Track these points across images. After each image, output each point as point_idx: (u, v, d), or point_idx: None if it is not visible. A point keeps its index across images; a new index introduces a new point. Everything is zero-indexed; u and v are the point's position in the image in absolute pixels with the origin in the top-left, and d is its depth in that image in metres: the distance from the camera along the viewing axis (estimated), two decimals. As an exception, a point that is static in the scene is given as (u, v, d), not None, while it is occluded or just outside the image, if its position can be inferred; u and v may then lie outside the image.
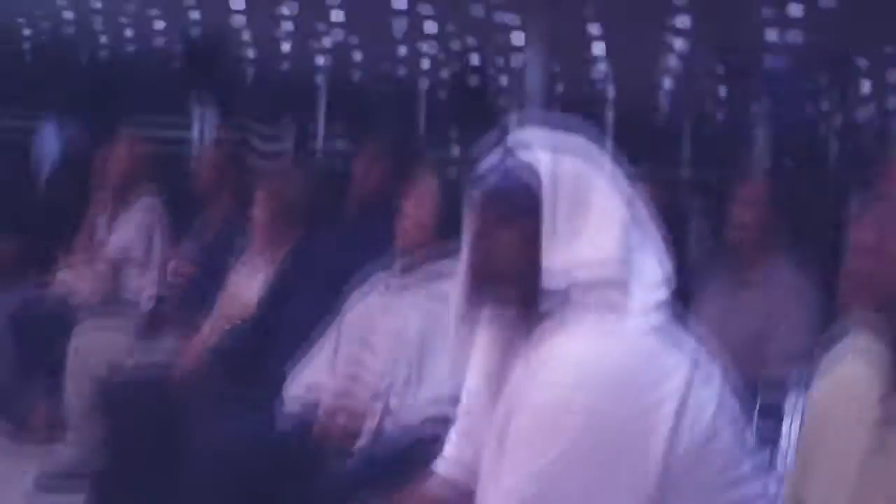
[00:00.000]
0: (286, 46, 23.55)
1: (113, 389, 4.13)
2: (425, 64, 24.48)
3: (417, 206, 3.49)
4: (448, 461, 2.39)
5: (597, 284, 2.04)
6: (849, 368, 1.84)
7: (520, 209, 2.09)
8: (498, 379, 2.17)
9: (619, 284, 2.04)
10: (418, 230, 3.49)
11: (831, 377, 1.88)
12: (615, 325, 2.02)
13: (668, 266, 2.15)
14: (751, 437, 2.18)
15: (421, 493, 2.39)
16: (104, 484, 4.16)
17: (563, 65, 16.02)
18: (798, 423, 2.43)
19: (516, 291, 2.11)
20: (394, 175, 3.92)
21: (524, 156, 2.11)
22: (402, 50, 22.51)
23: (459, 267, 2.24)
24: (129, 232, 5.54)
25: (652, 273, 2.10)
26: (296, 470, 3.30)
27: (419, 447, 3.11)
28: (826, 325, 3.91)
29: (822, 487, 1.80)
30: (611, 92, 26.62)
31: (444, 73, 22.87)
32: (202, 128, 12.43)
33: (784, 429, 2.45)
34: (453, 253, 3.42)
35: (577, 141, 2.16)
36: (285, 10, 17.95)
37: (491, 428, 2.14)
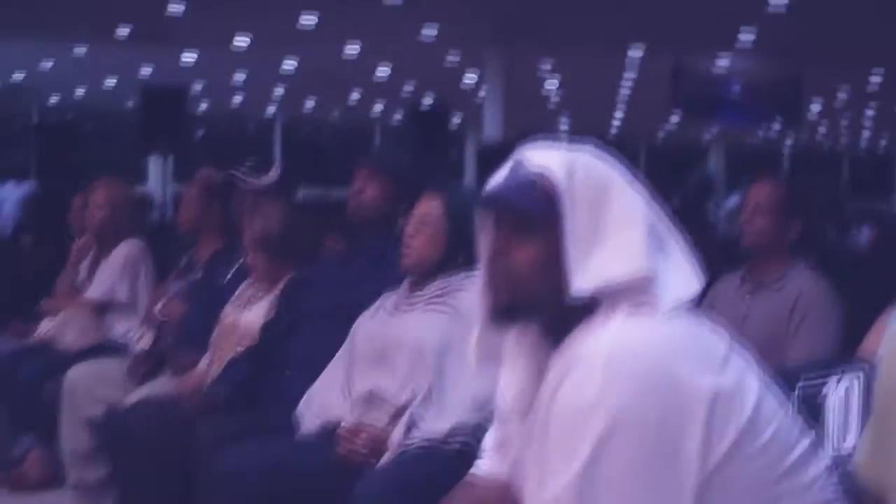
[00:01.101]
0: (238, 98, 23.65)
1: (117, 428, 4.05)
2: (378, 107, 24.63)
3: (422, 226, 3.47)
4: (487, 469, 2.35)
5: (625, 287, 1.99)
6: None
7: (539, 222, 2.03)
8: (530, 390, 2.13)
9: (647, 285, 2.00)
10: (424, 249, 3.46)
11: None
12: (645, 323, 1.98)
13: (695, 264, 2.11)
14: (798, 423, 2.12)
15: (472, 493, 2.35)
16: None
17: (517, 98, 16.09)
18: (845, 404, 2.41)
19: (542, 305, 2.06)
20: (394, 197, 3.89)
21: (536, 167, 2.06)
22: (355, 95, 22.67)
23: (478, 286, 2.19)
24: (112, 274, 5.50)
25: (678, 272, 2.06)
26: (320, 492, 3.25)
27: (446, 459, 3.09)
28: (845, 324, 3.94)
29: None
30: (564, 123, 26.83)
31: (398, 115, 22.99)
32: (164, 178, 12.37)
33: (829, 413, 2.42)
34: (459, 269, 3.44)
35: (587, 148, 2.11)
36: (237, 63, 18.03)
37: (528, 439, 2.10)
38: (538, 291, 2.04)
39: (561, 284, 2.00)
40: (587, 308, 2.02)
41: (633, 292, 1.99)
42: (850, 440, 2.36)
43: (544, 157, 2.06)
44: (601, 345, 1.93)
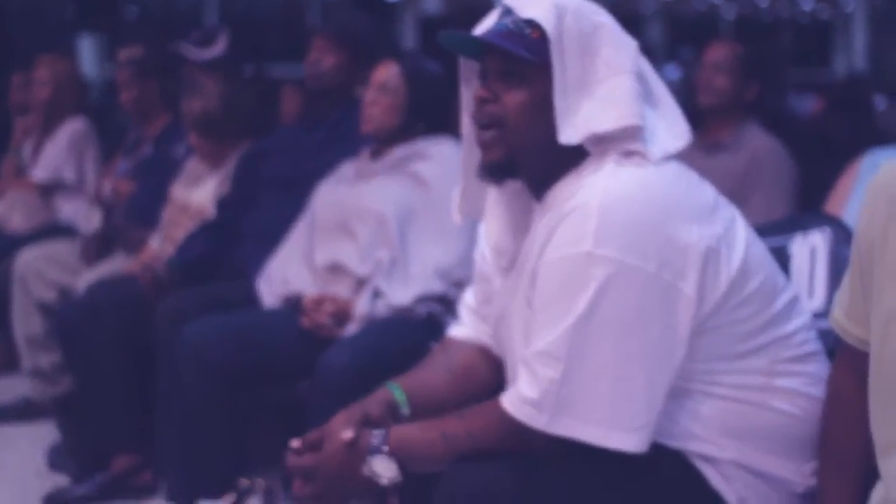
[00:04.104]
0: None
1: (72, 311, 3.96)
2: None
3: (382, 93, 3.38)
4: (463, 331, 2.34)
5: (614, 135, 1.96)
6: None
7: (529, 68, 1.99)
8: (512, 243, 2.12)
9: (636, 133, 1.97)
10: (385, 116, 3.38)
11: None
12: (636, 172, 1.94)
13: (681, 117, 2.09)
14: (781, 275, 2.12)
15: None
16: (75, 406, 4.04)
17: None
18: (811, 262, 2.39)
19: (530, 153, 2.03)
20: (352, 65, 3.79)
21: (525, 13, 2.00)
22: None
23: (463, 140, 2.18)
24: (58, 154, 5.38)
25: (665, 122, 2.04)
26: (286, 363, 3.21)
27: (413, 327, 3.07)
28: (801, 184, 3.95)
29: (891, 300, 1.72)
30: None
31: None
32: (99, 58, 12.12)
33: (795, 272, 2.40)
34: (419, 136, 3.38)
35: None
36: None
37: (512, 293, 2.08)
38: (526, 138, 2.01)
39: (549, 132, 1.97)
40: (572, 156, 1.99)
41: (622, 140, 1.97)
42: (818, 298, 2.35)
43: (533, 4, 2.01)
44: (594, 194, 1.90)
